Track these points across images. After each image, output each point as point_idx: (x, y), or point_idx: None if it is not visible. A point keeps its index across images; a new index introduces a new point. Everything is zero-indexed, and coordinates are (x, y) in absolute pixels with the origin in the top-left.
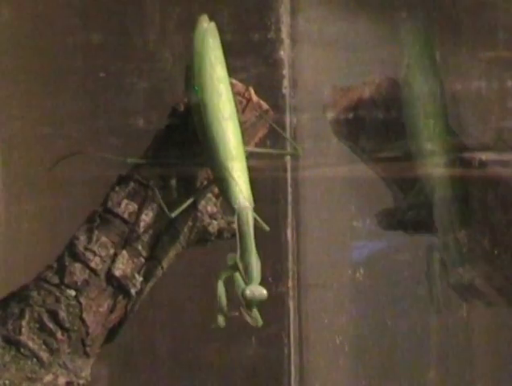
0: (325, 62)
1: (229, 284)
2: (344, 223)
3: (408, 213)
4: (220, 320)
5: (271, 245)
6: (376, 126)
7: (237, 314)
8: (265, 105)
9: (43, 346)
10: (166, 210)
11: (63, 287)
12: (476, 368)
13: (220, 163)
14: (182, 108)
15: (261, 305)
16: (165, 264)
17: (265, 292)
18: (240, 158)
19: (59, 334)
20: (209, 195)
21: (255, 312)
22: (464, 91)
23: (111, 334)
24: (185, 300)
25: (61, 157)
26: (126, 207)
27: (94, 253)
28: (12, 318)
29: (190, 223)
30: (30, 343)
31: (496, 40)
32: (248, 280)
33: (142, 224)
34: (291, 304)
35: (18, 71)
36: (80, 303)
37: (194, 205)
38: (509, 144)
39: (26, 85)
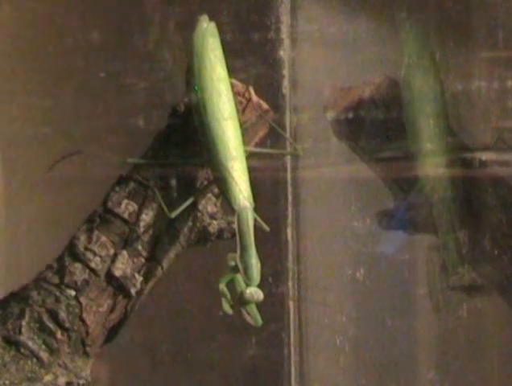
0: (325, 62)
1: (230, 284)
2: (344, 223)
3: (408, 213)
4: (227, 308)
5: (271, 245)
6: (376, 126)
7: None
8: (265, 105)
9: (43, 346)
10: (166, 210)
11: (63, 287)
12: (477, 368)
13: (220, 163)
14: (182, 108)
15: (259, 305)
16: (165, 264)
17: (262, 295)
18: (240, 158)
19: (59, 334)
20: (209, 194)
21: (255, 312)
22: (464, 91)
23: (111, 334)
24: (185, 300)
25: (61, 157)
26: (126, 207)
27: (94, 253)
28: (12, 318)
29: (190, 223)
30: (30, 343)
31: (496, 40)
32: (248, 280)
33: (142, 224)
34: (291, 304)
35: (18, 70)
36: (80, 303)
37: (194, 205)
38: (509, 144)
39: (26, 85)
